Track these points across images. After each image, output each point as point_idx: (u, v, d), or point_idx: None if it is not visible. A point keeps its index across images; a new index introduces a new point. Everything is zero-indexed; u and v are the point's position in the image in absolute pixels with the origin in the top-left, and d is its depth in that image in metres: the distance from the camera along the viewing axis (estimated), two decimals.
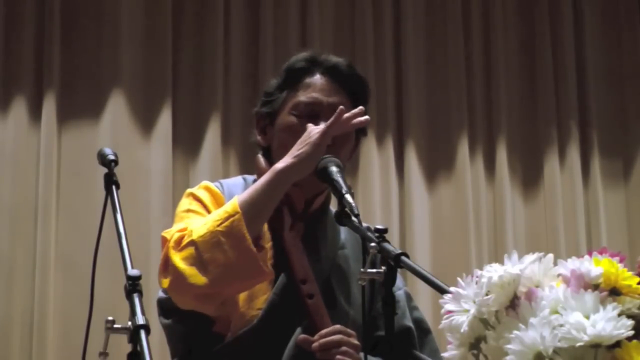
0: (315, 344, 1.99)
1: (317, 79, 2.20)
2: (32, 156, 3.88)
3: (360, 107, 2.09)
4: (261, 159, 2.21)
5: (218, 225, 1.98)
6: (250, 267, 1.97)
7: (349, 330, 2.02)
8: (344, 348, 1.99)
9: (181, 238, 2.01)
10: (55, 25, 3.96)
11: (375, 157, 4.20)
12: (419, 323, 2.24)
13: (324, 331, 2.00)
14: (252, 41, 4.18)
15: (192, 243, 1.98)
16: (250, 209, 1.99)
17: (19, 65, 3.94)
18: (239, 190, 2.18)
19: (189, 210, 2.14)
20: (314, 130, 2.04)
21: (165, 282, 2.01)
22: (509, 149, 4.37)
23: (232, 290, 2.02)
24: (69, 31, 4.01)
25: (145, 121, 4.01)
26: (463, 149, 4.30)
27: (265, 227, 2.10)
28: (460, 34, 4.41)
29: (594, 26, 4.60)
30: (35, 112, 3.92)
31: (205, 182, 2.23)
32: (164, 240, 2.05)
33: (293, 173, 2.03)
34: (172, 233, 2.04)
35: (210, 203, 2.15)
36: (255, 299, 2.09)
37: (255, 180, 2.16)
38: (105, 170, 1.87)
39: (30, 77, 3.94)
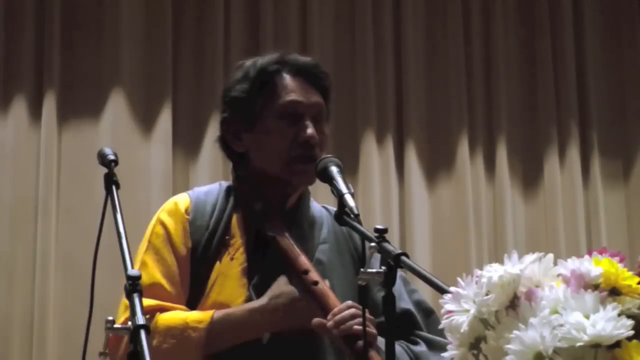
0: (330, 323, 2.00)
1: (292, 80, 2.24)
2: (32, 156, 3.88)
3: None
4: (245, 187, 2.23)
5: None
6: None
7: (359, 306, 2.02)
8: (359, 319, 1.98)
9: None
10: (55, 25, 3.96)
11: (375, 157, 4.20)
12: (420, 304, 2.26)
13: (336, 309, 2.01)
14: (252, 41, 4.18)
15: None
16: (218, 340, 2.06)
17: (19, 65, 3.95)
18: (210, 198, 2.23)
19: (148, 251, 2.19)
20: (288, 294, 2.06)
21: None
22: (509, 149, 4.37)
23: None
24: (69, 31, 4.01)
25: (145, 121, 4.01)
26: (463, 149, 4.30)
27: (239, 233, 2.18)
28: (460, 34, 4.40)
29: (594, 26, 4.60)
30: (35, 112, 3.93)
31: (174, 199, 2.26)
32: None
33: (267, 326, 2.07)
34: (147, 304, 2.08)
35: (170, 240, 2.18)
36: (230, 306, 2.12)
37: (234, 189, 2.23)
38: (105, 170, 1.87)
39: (30, 77, 3.95)
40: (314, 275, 2.09)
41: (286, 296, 2.06)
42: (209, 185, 2.34)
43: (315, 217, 2.27)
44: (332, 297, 2.06)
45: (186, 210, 2.21)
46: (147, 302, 2.06)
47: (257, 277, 2.13)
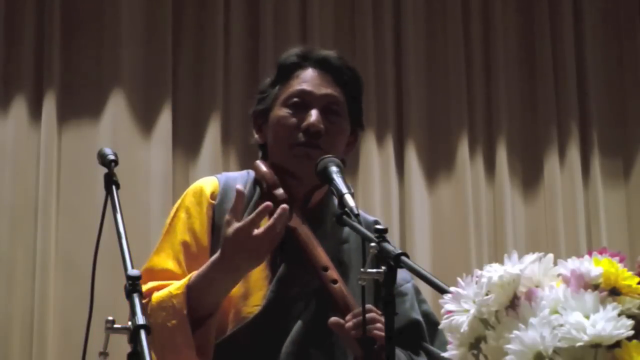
0: (349, 324, 1.98)
1: (308, 72, 2.23)
2: (32, 156, 3.88)
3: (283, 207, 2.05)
4: (260, 164, 2.20)
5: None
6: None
7: (377, 310, 2.01)
8: (379, 325, 1.97)
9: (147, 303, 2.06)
10: (55, 25, 3.96)
11: (375, 157, 4.20)
12: (428, 316, 2.25)
13: (356, 311, 2.00)
14: (252, 41, 4.18)
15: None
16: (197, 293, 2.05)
17: (19, 65, 3.95)
18: (239, 183, 2.19)
19: (166, 235, 2.19)
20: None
21: None
22: (509, 149, 4.37)
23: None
24: (69, 31, 4.01)
25: (145, 121, 4.01)
26: (463, 149, 4.30)
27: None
28: (460, 34, 4.41)
29: (594, 26, 4.60)
30: (35, 112, 3.93)
31: (201, 183, 2.24)
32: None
33: (234, 271, 2.05)
34: (148, 287, 2.09)
35: (192, 220, 2.17)
36: (250, 296, 2.11)
37: (256, 180, 2.18)
38: (105, 170, 1.87)
39: (30, 77, 3.95)
40: (333, 273, 2.07)
41: (232, 238, 1.99)
42: (237, 171, 2.33)
43: None
44: (350, 298, 2.04)
45: (212, 194, 2.20)
46: (152, 284, 2.09)
47: (282, 269, 2.12)
